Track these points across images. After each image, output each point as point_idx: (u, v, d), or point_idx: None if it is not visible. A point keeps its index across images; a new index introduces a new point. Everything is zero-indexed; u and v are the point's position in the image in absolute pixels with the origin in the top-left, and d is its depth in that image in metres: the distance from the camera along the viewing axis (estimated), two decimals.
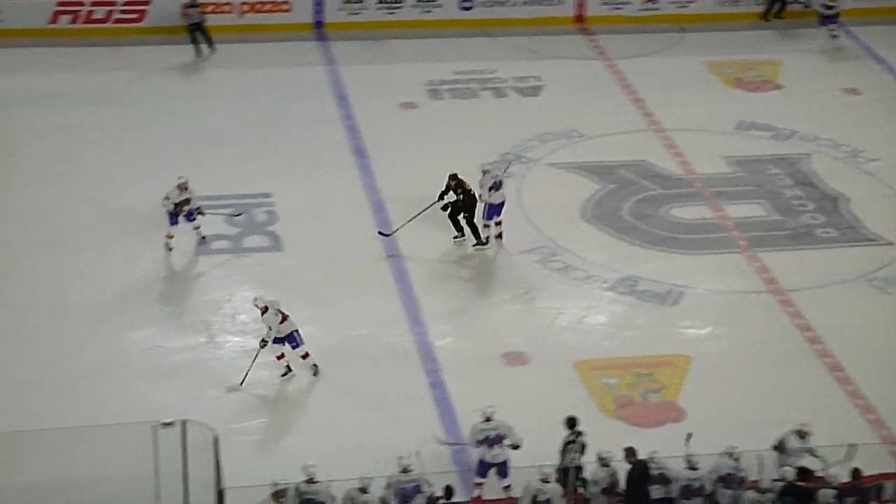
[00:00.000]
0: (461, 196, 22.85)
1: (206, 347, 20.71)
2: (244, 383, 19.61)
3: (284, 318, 19.67)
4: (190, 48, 30.13)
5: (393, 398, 19.26)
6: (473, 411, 17.75)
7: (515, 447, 17.59)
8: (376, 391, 19.65)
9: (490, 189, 22.94)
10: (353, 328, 21.19)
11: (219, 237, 23.32)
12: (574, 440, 17.31)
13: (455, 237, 23.20)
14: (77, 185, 24.96)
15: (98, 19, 31.12)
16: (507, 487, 17.68)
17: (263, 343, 19.66)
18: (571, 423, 17.52)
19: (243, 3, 31.62)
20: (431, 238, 23.43)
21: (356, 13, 32.03)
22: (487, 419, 17.57)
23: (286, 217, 24.13)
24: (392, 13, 32.14)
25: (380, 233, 23.44)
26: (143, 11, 31.18)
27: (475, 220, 23.11)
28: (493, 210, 23.09)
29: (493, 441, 17.49)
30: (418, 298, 21.93)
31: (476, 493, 17.66)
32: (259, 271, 22.67)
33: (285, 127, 27.33)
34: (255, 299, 19.99)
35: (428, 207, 23.01)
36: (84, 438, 17.73)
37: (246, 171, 25.48)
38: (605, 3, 32.75)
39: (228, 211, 23.85)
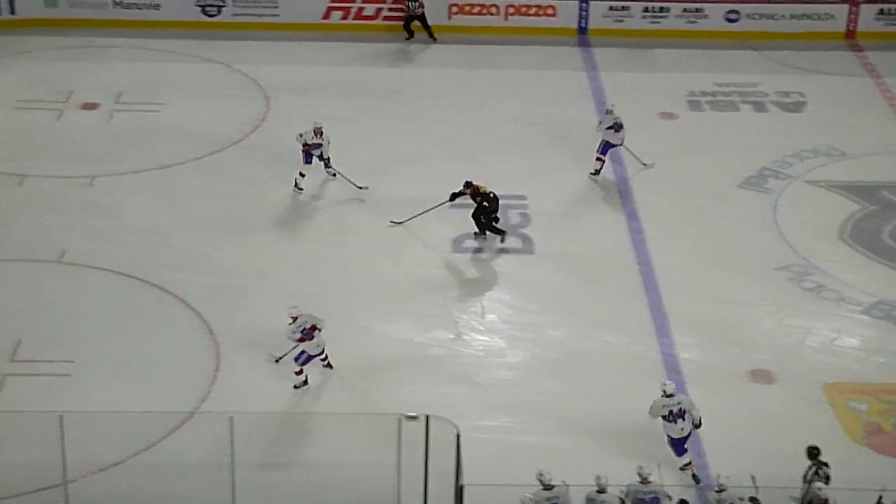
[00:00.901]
0: (481, 201, 23.24)
1: (454, 344, 21.05)
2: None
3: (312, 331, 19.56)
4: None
5: (634, 408, 19.25)
6: (719, 427, 17.69)
7: (697, 426, 17.63)
8: (620, 401, 19.63)
9: (609, 128, 24.92)
10: (599, 335, 21.26)
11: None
12: (817, 471, 16.94)
13: (476, 234, 23.56)
14: (328, 177, 25.60)
15: (368, 16, 31.98)
16: (687, 465, 17.89)
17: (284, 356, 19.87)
18: (813, 453, 17.13)
19: (509, 6, 31.99)
20: (684, 246, 23.39)
21: (620, 20, 32.04)
22: (669, 395, 17.80)
23: (539, 219, 24.36)
24: (657, 22, 32.04)
25: (392, 221, 23.74)
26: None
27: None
28: (608, 147, 25.15)
29: (675, 416, 17.73)
30: (667, 308, 21.86)
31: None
32: (510, 272, 22.94)
33: (544, 129, 27.57)
34: (291, 308, 19.65)
35: (441, 204, 23.48)
36: (334, 424, 18.30)
37: (504, 170, 25.79)
38: (879, 19, 31.93)
39: (358, 183, 24.85)
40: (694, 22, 31.97)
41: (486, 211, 23.23)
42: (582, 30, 32.12)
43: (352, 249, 23.36)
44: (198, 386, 19.69)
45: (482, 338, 21.24)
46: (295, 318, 19.51)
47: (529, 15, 32.07)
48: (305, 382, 19.70)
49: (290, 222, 24.21)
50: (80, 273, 22.32)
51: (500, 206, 23.37)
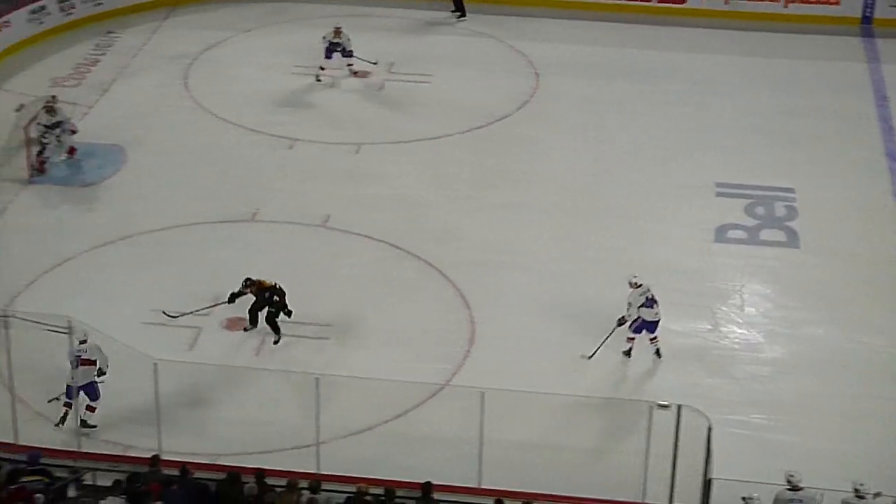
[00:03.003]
0: (270, 297, 19.97)
1: (711, 335, 20.65)
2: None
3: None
4: None
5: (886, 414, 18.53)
6: None
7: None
8: (883, 406, 18.96)
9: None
10: (863, 336, 20.54)
11: (735, 227, 23.19)
12: None
13: (246, 328, 20.29)
14: (605, 157, 25.51)
15: None
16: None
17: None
18: None
19: None
20: None
21: None
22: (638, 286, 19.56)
23: (806, 213, 23.66)
24: None
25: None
26: None
27: None
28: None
29: (648, 303, 19.31)
30: None
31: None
32: (773, 266, 22.38)
33: (818, 121, 26.76)
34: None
35: (218, 304, 20.25)
36: (584, 407, 18.18)
37: (772, 161, 25.18)
38: None
39: (369, 59, 27.50)
40: None
41: (278, 306, 20.02)
42: (866, 19, 31.03)
43: (605, 235, 23.10)
44: (451, 358, 19.81)
45: (740, 331, 20.78)
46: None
47: (811, 2, 31.17)
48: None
49: (555, 202, 24.06)
50: (342, 239, 22.71)
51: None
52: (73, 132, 24.70)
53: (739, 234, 23.14)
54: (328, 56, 27.96)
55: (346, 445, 17.82)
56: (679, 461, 16.46)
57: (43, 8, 29.49)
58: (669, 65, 29.35)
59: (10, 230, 21.95)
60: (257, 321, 20.17)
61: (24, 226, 22.57)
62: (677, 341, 20.37)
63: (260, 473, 16.24)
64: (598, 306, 20.60)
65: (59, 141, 24.41)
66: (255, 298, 20.00)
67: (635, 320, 19.77)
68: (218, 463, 17.19)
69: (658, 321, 19.75)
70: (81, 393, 17.89)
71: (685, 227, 23.25)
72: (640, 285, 19.69)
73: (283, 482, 16.17)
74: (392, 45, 29.92)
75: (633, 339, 19.93)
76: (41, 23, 29.47)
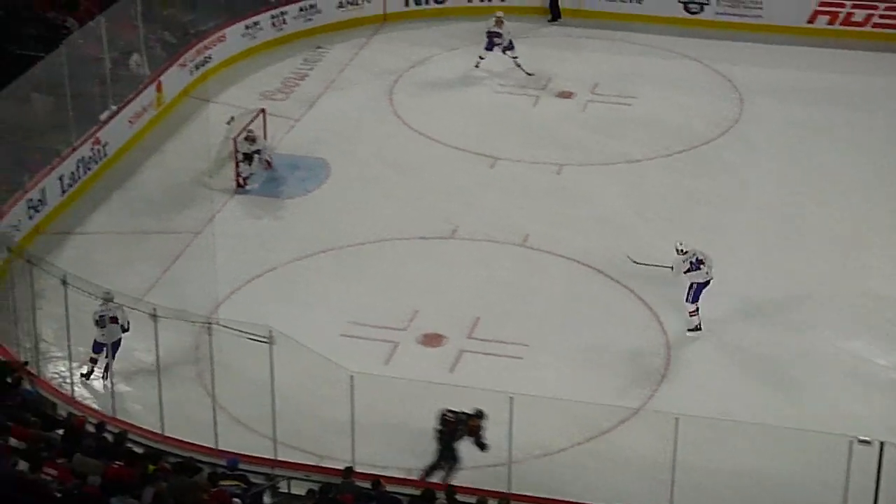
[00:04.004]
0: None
1: None
2: None
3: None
4: None
5: None
6: None
7: None
8: None
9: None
10: None
11: None
12: None
13: None
14: (811, 183, 25.02)
15: (856, 22, 30.92)
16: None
17: None
18: None
19: None
20: None
21: None
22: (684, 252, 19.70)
23: None
24: None
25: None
26: None
27: None
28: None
29: (695, 265, 19.68)
30: None
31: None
32: None
33: None
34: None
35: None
36: (780, 438, 17.79)
37: None
38: None
39: (527, 69, 28.49)
40: None
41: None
42: None
43: (811, 261, 22.69)
44: (646, 382, 19.65)
45: None
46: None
47: None
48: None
49: (759, 227, 23.71)
50: (541, 258, 22.69)
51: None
52: (269, 163, 25.20)
53: None
54: (488, 48, 28.97)
55: (539, 464, 17.78)
56: (881, 500, 16.02)
57: (256, 23, 30.23)
58: (882, 92, 28.59)
59: (217, 239, 22.46)
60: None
61: (230, 235, 23.10)
62: (884, 374, 19.85)
63: (450, 490, 16.27)
64: (802, 333, 20.18)
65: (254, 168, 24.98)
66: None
67: (690, 287, 19.84)
68: (410, 478, 17.31)
69: (710, 280, 19.87)
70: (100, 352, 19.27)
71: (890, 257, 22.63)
72: (686, 252, 19.98)
73: (473, 500, 16.16)
74: (596, 66, 29.84)
75: (695, 312, 19.99)
76: (254, 38, 30.20)
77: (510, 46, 28.88)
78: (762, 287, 21.94)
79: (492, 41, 28.87)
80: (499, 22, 28.79)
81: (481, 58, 29.06)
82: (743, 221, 23.91)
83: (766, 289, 21.90)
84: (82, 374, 19.60)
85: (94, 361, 19.62)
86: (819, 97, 28.33)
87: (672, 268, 20.38)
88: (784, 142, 26.54)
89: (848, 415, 18.86)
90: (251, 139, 24.83)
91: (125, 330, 19.34)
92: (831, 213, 24.08)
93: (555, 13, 31.90)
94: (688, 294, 20.32)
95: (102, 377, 19.53)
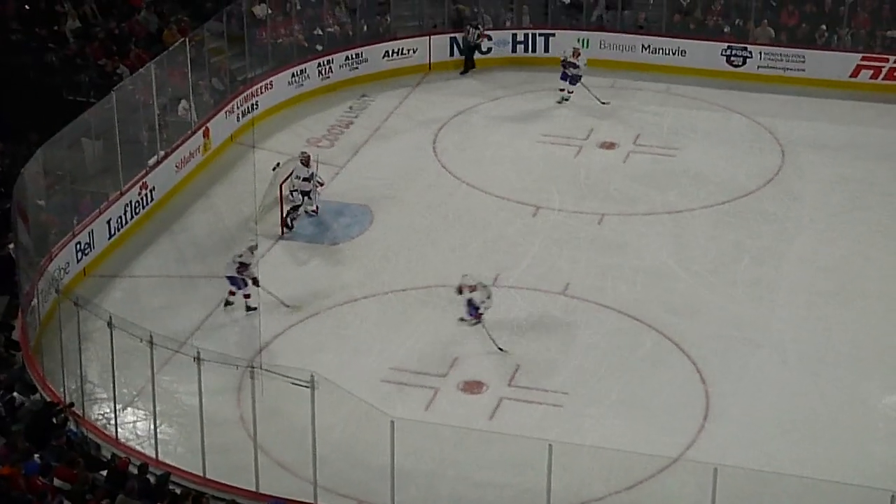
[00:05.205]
0: None
1: None
2: None
3: None
4: None
5: None
6: None
7: None
8: None
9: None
10: None
11: None
12: None
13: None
14: (857, 237, 25.03)
15: None
16: None
17: None
18: None
19: None
20: None
21: None
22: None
23: None
24: None
25: None
26: None
27: None
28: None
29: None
30: None
31: None
32: None
33: None
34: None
35: None
36: (820, 491, 17.72)
37: None
38: None
39: (602, 99, 29.63)
40: None
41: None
42: None
43: (857, 318, 22.61)
44: (685, 432, 19.64)
45: None
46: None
47: None
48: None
49: (803, 281, 23.73)
50: (582, 307, 22.77)
51: None
52: (321, 184, 25.54)
53: None
54: (563, 77, 30.30)
55: None
56: None
57: (303, 71, 30.59)
58: None
59: (262, 284, 22.70)
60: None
61: (275, 280, 23.31)
62: None
63: None
64: (846, 387, 20.14)
65: (308, 198, 25.25)
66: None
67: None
68: None
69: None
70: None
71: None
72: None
73: None
74: (641, 117, 29.99)
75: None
76: (300, 85, 30.56)
77: (576, 79, 30.11)
78: (805, 340, 21.94)
79: (566, 72, 30.09)
80: (576, 53, 30.08)
81: (561, 89, 30.32)
82: (786, 273, 23.91)
83: (810, 342, 21.89)
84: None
85: (232, 294, 22.42)
86: (862, 151, 28.36)
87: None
88: (828, 195, 26.58)
89: (890, 469, 18.77)
90: (307, 162, 25.15)
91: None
92: (876, 267, 24.04)
93: (468, 65, 32.27)
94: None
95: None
